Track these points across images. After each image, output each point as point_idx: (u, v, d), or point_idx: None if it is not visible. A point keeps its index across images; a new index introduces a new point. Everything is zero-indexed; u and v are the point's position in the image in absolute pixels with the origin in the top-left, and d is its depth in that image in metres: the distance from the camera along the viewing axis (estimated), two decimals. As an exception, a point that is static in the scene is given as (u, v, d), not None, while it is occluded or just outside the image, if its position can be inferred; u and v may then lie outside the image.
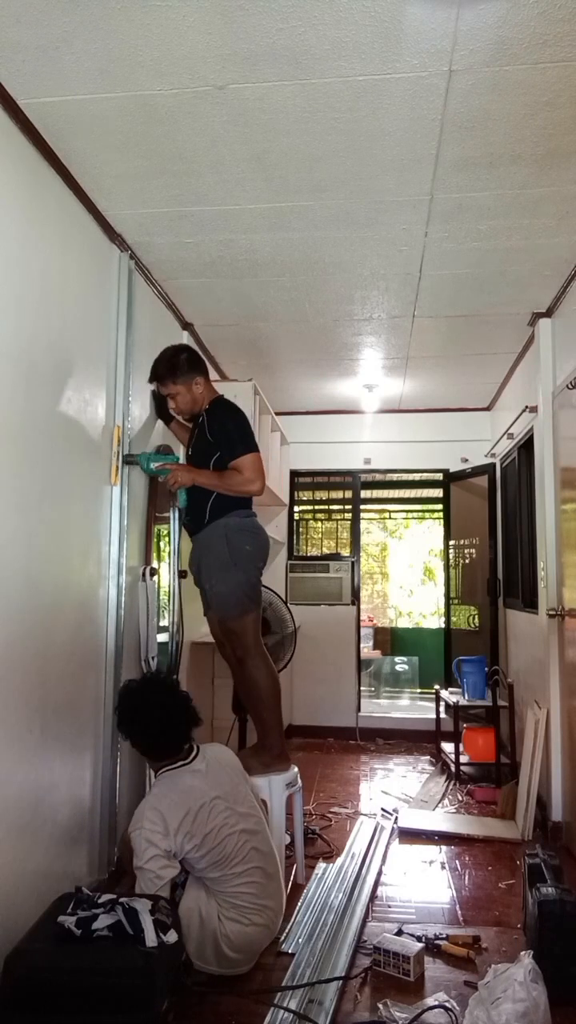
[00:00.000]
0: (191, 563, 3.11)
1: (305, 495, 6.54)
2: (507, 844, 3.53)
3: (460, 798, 4.26)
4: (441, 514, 6.47)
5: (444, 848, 3.49)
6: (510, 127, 2.35)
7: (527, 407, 4.16)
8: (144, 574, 3.27)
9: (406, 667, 7.52)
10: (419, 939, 2.48)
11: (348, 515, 6.42)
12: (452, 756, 4.67)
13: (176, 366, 2.99)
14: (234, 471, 2.92)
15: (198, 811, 2.31)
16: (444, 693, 5.12)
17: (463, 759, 4.63)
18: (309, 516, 6.75)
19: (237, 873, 2.34)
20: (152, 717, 2.41)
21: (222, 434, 2.97)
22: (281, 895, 2.53)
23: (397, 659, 7.63)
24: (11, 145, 2.25)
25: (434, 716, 5.33)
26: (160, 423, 3.49)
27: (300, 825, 3.18)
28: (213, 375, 4.68)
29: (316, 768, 4.85)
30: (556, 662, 3.62)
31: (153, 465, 3.08)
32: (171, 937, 2.07)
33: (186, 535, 3.92)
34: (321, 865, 3.20)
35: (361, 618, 6.21)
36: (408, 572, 10.85)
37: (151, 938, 2.00)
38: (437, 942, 2.51)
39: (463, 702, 4.79)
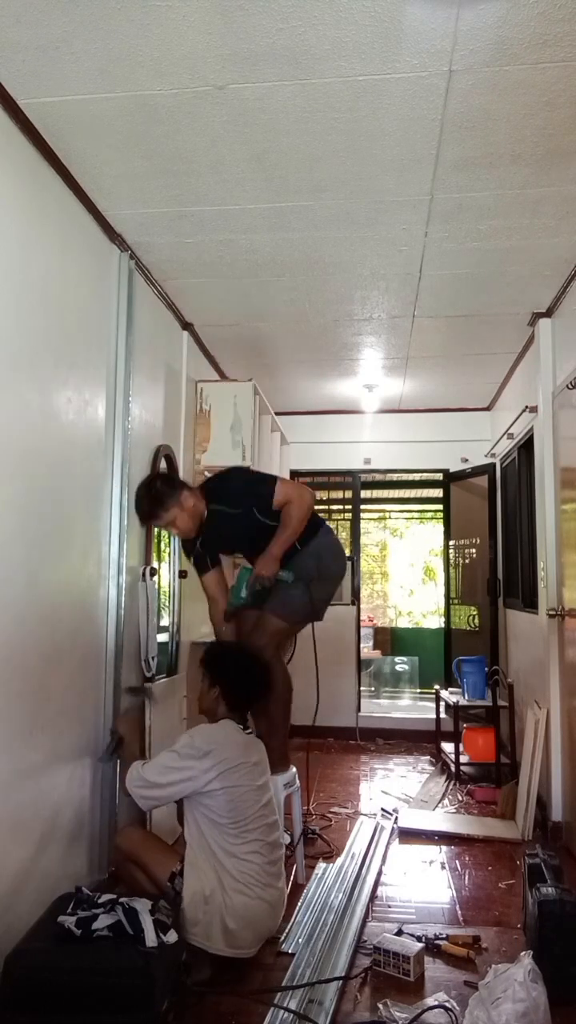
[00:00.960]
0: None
1: (305, 495, 6.53)
2: (507, 844, 3.52)
3: (460, 798, 4.26)
4: (441, 514, 6.47)
5: (444, 848, 3.49)
6: (510, 127, 2.35)
7: (527, 407, 4.16)
8: (144, 574, 3.27)
9: (406, 667, 7.52)
10: (419, 939, 2.48)
11: (348, 515, 6.42)
12: (452, 756, 4.67)
13: (159, 495, 2.97)
14: (285, 509, 2.95)
15: (235, 762, 2.40)
16: (444, 693, 5.12)
17: (463, 759, 4.63)
18: (309, 516, 6.74)
19: (248, 840, 2.38)
20: (243, 669, 2.67)
21: (240, 496, 3.00)
22: (283, 884, 2.54)
23: (397, 659, 7.63)
24: (11, 145, 2.25)
25: (434, 716, 5.33)
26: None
27: (299, 825, 3.19)
28: (213, 375, 4.70)
29: (316, 768, 4.84)
30: (556, 662, 3.62)
31: (244, 595, 3.01)
32: (171, 937, 2.07)
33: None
34: (321, 865, 3.20)
35: (361, 618, 6.21)
36: (409, 572, 10.85)
37: (151, 938, 2.00)
38: (437, 942, 2.51)
39: (463, 702, 4.79)
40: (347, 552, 6.30)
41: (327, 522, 3.21)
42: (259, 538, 3.01)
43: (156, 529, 3.49)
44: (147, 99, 2.24)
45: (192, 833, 2.41)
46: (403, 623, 10.29)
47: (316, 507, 3.20)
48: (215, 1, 1.87)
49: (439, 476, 6.25)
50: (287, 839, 3.08)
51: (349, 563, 6.01)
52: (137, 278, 3.23)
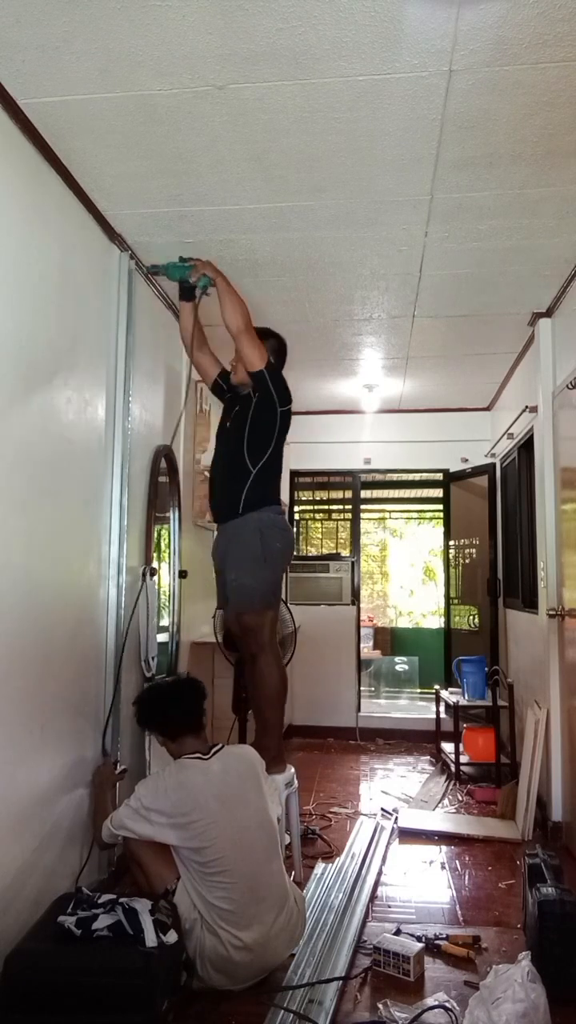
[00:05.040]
0: (215, 551, 3.09)
1: (305, 495, 6.54)
2: (507, 844, 3.52)
3: (460, 798, 4.26)
4: (441, 515, 6.48)
5: (444, 848, 3.49)
6: (510, 127, 2.35)
7: (527, 407, 4.17)
8: (144, 574, 3.27)
9: (406, 667, 7.52)
10: (419, 939, 2.48)
11: (348, 515, 6.43)
12: (452, 756, 4.67)
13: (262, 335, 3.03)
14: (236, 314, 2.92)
15: (192, 808, 2.30)
16: (444, 693, 5.12)
17: (463, 759, 4.63)
18: (309, 516, 6.75)
19: (216, 882, 2.25)
20: (162, 701, 2.59)
21: (266, 387, 3.05)
22: (278, 928, 2.29)
23: (397, 659, 7.63)
24: (11, 145, 2.25)
25: (434, 716, 5.33)
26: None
27: (297, 825, 3.18)
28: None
29: (316, 768, 4.84)
30: (556, 662, 3.62)
31: (179, 262, 2.96)
32: (171, 937, 2.07)
33: (187, 535, 3.93)
34: (321, 865, 3.20)
35: (361, 618, 6.21)
36: (409, 572, 10.85)
37: (151, 938, 2.01)
38: (437, 942, 2.51)
39: (463, 702, 4.79)
40: (347, 551, 6.31)
41: (280, 507, 3.12)
42: (229, 457, 3.02)
43: (156, 528, 3.49)
44: (147, 99, 2.24)
45: (179, 863, 2.33)
46: (403, 623, 10.29)
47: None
48: (215, 1, 1.87)
49: (439, 476, 6.25)
50: (286, 839, 3.08)
51: (350, 563, 6.01)
52: (137, 278, 3.23)
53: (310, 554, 6.52)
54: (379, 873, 3.17)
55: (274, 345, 3.12)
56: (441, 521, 6.52)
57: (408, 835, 3.65)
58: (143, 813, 2.34)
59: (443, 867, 3.28)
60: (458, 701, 4.79)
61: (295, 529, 6.38)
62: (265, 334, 3.09)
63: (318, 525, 6.78)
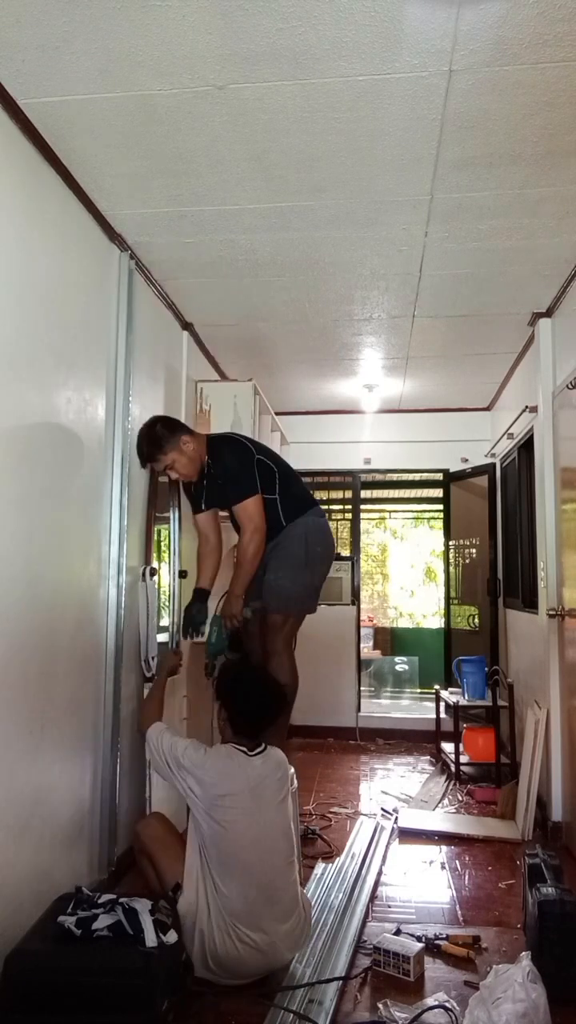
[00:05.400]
0: None
1: (305, 495, 6.52)
2: (507, 844, 3.52)
3: (460, 798, 4.26)
4: (441, 516, 6.47)
5: (444, 848, 3.49)
6: (510, 127, 2.36)
7: (527, 407, 4.17)
8: (144, 574, 3.27)
9: (406, 667, 7.52)
10: (419, 939, 2.48)
11: (348, 515, 6.42)
12: (452, 756, 4.67)
13: (158, 438, 3.06)
14: (239, 542, 3.02)
15: (224, 792, 2.31)
16: (444, 693, 5.12)
17: (463, 759, 4.63)
18: (309, 516, 6.73)
19: (231, 878, 2.25)
20: (250, 692, 2.52)
21: (226, 474, 3.07)
22: (292, 924, 2.32)
23: (397, 659, 7.63)
24: (11, 145, 2.25)
25: (434, 716, 5.33)
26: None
27: (297, 826, 3.18)
28: (213, 375, 4.70)
29: (316, 768, 4.84)
30: (556, 662, 3.62)
31: (215, 638, 3.16)
32: (171, 937, 2.07)
33: (187, 535, 3.93)
34: (321, 865, 3.20)
35: (361, 618, 6.21)
36: (409, 572, 10.85)
37: (151, 938, 2.00)
38: (437, 942, 2.51)
39: (463, 702, 4.79)
40: (346, 550, 6.31)
41: (319, 505, 3.22)
42: (220, 503, 3.11)
43: (156, 528, 3.49)
44: (147, 99, 2.24)
45: (192, 848, 2.32)
46: (403, 623, 10.29)
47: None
48: (215, 1, 1.87)
49: (439, 476, 6.25)
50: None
51: (349, 563, 6.01)
52: (137, 278, 3.23)
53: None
54: (379, 873, 3.16)
55: (171, 429, 3.12)
56: (441, 522, 6.52)
57: (408, 835, 3.65)
58: (181, 763, 2.37)
59: (443, 867, 3.27)
60: (458, 701, 4.79)
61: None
62: (166, 430, 3.10)
63: (318, 525, 6.76)
